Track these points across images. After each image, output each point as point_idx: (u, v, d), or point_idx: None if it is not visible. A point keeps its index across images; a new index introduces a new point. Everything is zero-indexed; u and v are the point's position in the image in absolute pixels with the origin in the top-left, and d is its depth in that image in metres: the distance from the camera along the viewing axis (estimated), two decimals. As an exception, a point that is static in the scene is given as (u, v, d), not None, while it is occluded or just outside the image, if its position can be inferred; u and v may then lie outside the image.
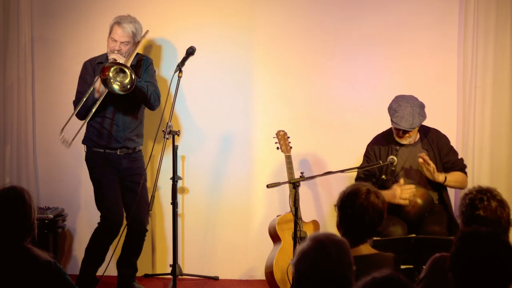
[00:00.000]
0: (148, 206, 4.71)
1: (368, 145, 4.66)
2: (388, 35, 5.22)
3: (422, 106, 4.50)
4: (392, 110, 4.48)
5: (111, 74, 4.43)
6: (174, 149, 4.58)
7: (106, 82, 4.43)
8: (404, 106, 4.44)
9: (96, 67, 4.70)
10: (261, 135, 5.28)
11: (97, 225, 4.80)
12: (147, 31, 4.81)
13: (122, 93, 4.45)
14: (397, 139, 4.56)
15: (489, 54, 5.06)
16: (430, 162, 4.41)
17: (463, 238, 2.32)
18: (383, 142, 4.61)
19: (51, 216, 4.94)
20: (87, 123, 4.65)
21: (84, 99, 4.52)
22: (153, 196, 4.34)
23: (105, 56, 4.74)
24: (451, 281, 2.30)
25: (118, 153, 4.70)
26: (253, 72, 5.31)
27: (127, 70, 4.42)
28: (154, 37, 5.28)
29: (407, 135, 4.52)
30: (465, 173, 4.60)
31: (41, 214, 4.89)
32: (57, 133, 4.86)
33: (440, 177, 4.45)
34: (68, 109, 4.83)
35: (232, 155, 5.34)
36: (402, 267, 3.23)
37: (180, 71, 4.58)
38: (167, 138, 4.43)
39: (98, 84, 4.50)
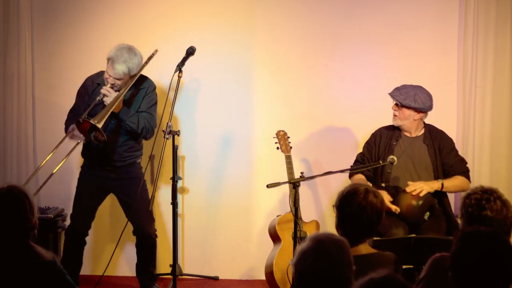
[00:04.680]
0: (151, 214, 4.73)
1: (372, 133, 4.72)
2: (388, 35, 5.23)
3: (428, 95, 4.52)
4: (396, 88, 4.59)
5: (90, 129, 4.40)
6: (174, 149, 4.58)
7: (89, 135, 4.42)
8: (408, 86, 4.55)
9: (96, 88, 4.62)
10: (261, 135, 5.28)
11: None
12: (155, 51, 4.74)
13: (100, 144, 4.47)
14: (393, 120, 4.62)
15: (489, 54, 5.06)
16: (413, 185, 4.38)
17: (463, 238, 2.32)
18: (388, 130, 4.66)
19: (51, 216, 4.94)
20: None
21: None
22: (153, 196, 4.34)
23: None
24: (451, 281, 2.30)
25: (107, 168, 4.68)
26: (253, 71, 5.31)
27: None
28: (154, 37, 5.28)
29: (396, 112, 4.56)
30: (467, 177, 4.56)
31: (41, 214, 4.89)
32: (57, 133, 4.86)
33: (435, 184, 4.43)
34: (68, 108, 4.81)
35: (232, 155, 5.34)
36: (402, 267, 3.22)
37: (180, 71, 4.58)
38: (167, 138, 4.43)
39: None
